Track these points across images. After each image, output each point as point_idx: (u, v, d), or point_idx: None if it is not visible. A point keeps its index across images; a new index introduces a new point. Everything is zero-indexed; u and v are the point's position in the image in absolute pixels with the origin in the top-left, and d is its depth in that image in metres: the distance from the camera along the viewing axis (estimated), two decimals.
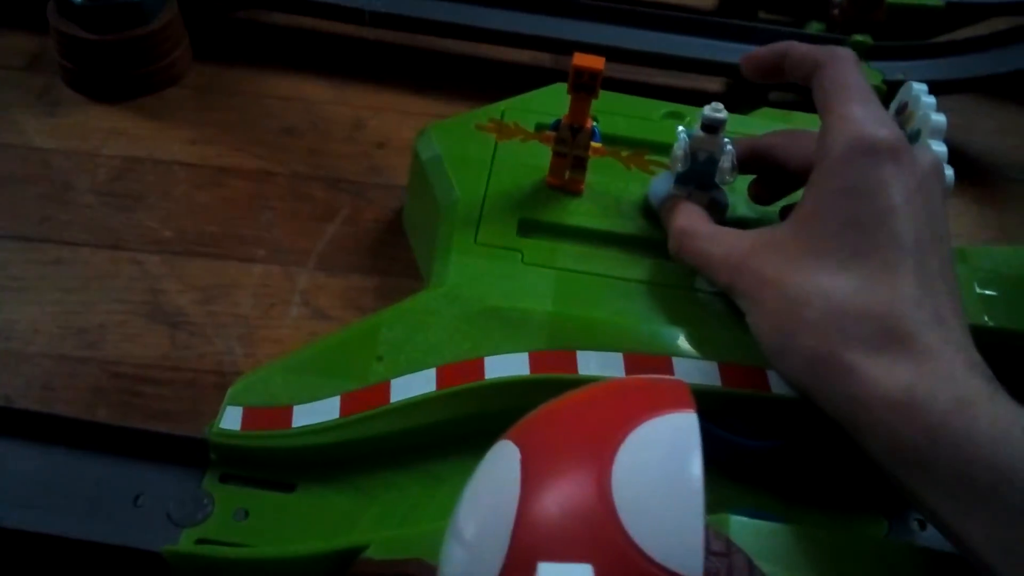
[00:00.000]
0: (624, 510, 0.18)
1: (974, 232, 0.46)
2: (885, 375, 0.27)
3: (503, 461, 0.21)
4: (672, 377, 0.31)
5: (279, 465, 0.30)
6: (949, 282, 0.29)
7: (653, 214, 0.38)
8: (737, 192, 0.38)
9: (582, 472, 0.19)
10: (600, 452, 0.19)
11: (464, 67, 0.54)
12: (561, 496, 0.19)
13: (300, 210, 0.44)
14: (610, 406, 0.21)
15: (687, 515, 0.18)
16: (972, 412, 0.25)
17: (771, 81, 0.36)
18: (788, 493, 0.31)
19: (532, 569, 0.17)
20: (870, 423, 0.27)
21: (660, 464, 0.19)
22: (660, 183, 0.38)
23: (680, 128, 0.36)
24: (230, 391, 0.31)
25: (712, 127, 0.34)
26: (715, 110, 0.34)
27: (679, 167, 0.35)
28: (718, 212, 0.37)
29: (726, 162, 0.35)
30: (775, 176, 0.36)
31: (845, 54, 0.33)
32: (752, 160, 0.36)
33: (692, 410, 0.20)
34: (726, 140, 0.35)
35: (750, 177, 0.38)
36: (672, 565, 0.18)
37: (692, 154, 0.35)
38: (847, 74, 0.32)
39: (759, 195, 0.38)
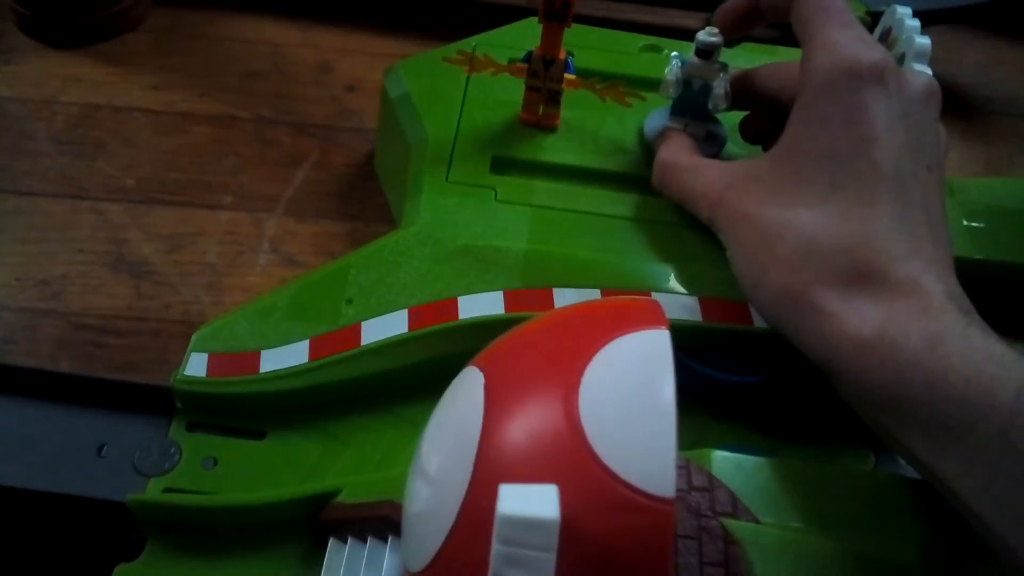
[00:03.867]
0: (592, 429, 0.17)
1: (960, 166, 0.45)
2: (855, 314, 0.26)
3: (466, 387, 0.20)
4: (644, 296, 0.30)
5: (247, 412, 0.29)
6: (932, 212, 0.28)
7: (630, 149, 0.37)
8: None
9: (548, 392, 0.18)
10: (567, 371, 0.18)
11: (435, 6, 0.52)
12: (525, 417, 0.18)
13: (267, 155, 0.42)
14: (578, 326, 0.20)
15: (658, 433, 0.17)
16: (945, 349, 0.24)
17: (751, 29, 0.34)
18: (773, 429, 0.31)
19: (495, 492, 0.16)
20: (842, 363, 0.26)
21: (630, 381, 0.18)
22: (656, 117, 0.36)
23: (674, 53, 0.34)
24: (195, 337, 0.30)
25: (707, 52, 0.33)
26: (710, 34, 0.33)
27: (671, 92, 0.34)
28: (716, 145, 0.36)
29: (720, 87, 0.33)
30: (767, 111, 0.35)
31: None
32: (743, 93, 0.35)
33: (664, 327, 0.19)
34: (722, 64, 0.34)
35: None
36: (643, 484, 0.17)
37: (686, 82, 0.34)
38: None
39: (750, 131, 0.36)
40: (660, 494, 0.17)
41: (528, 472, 0.17)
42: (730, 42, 0.34)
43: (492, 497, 0.16)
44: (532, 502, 0.15)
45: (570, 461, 0.17)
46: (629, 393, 0.18)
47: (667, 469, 0.17)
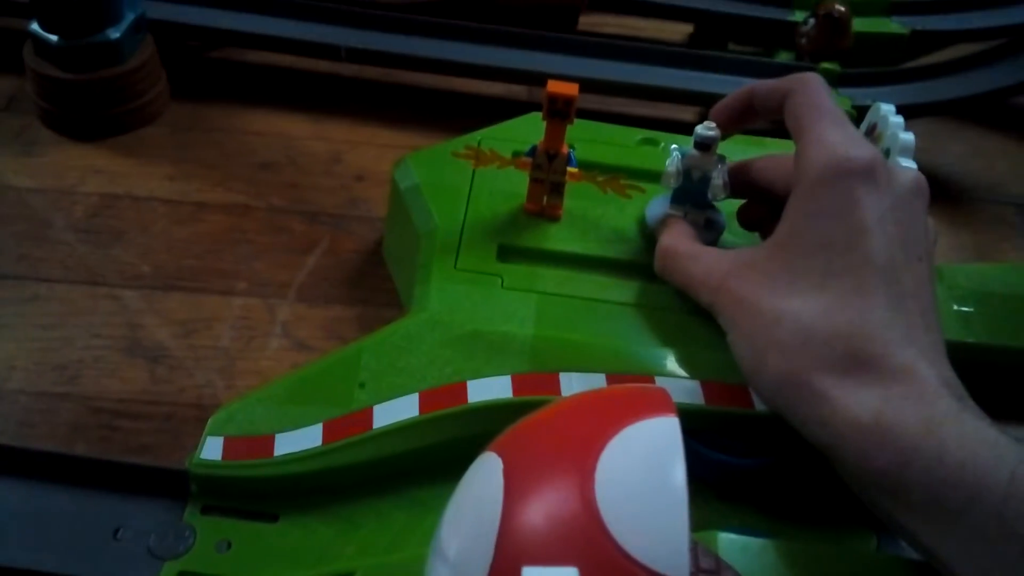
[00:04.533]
0: (608, 513, 0.18)
1: (949, 253, 0.47)
2: (853, 400, 0.27)
3: (485, 473, 0.20)
4: (653, 385, 0.31)
5: (261, 495, 0.30)
6: (923, 300, 0.30)
7: (631, 237, 0.38)
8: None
9: (565, 477, 0.19)
10: (583, 457, 0.19)
11: (441, 101, 0.54)
12: (544, 502, 0.19)
13: (279, 243, 0.43)
14: (592, 413, 0.21)
15: (671, 516, 0.18)
16: (941, 434, 0.25)
17: (746, 126, 0.36)
18: (776, 511, 0.31)
19: (518, 575, 0.16)
20: (841, 447, 0.27)
21: (643, 467, 0.19)
22: (657, 204, 0.38)
23: (674, 146, 0.36)
24: (211, 421, 0.31)
25: (705, 145, 0.35)
26: (707, 128, 0.35)
27: (672, 183, 0.36)
28: (715, 232, 0.37)
29: (718, 178, 0.35)
30: (762, 201, 0.36)
31: (812, 78, 0.33)
32: (740, 183, 0.36)
33: (673, 414, 0.20)
34: (720, 156, 0.35)
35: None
36: (657, 566, 0.17)
37: (686, 172, 0.35)
38: (817, 97, 0.32)
39: (748, 219, 0.38)
40: (674, 575, 0.17)
41: (548, 555, 0.18)
42: (724, 135, 0.36)
43: None
44: None
45: (588, 544, 0.18)
46: (642, 479, 0.19)
47: (681, 551, 0.18)
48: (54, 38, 0.47)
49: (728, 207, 0.38)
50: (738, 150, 0.43)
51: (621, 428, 0.19)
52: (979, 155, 0.54)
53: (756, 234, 0.38)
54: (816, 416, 0.28)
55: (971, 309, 0.38)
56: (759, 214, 0.37)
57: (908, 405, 0.26)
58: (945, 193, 0.51)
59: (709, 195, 0.36)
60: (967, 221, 0.49)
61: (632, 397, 0.21)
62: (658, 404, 0.20)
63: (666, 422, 0.20)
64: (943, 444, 0.25)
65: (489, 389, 0.31)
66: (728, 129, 0.36)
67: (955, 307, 0.38)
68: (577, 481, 0.19)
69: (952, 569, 0.25)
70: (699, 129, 0.35)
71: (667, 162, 0.35)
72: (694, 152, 0.35)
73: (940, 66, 0.52)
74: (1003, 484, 0.24)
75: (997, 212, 0.50)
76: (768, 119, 0.35)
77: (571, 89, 0.34)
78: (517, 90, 0.55)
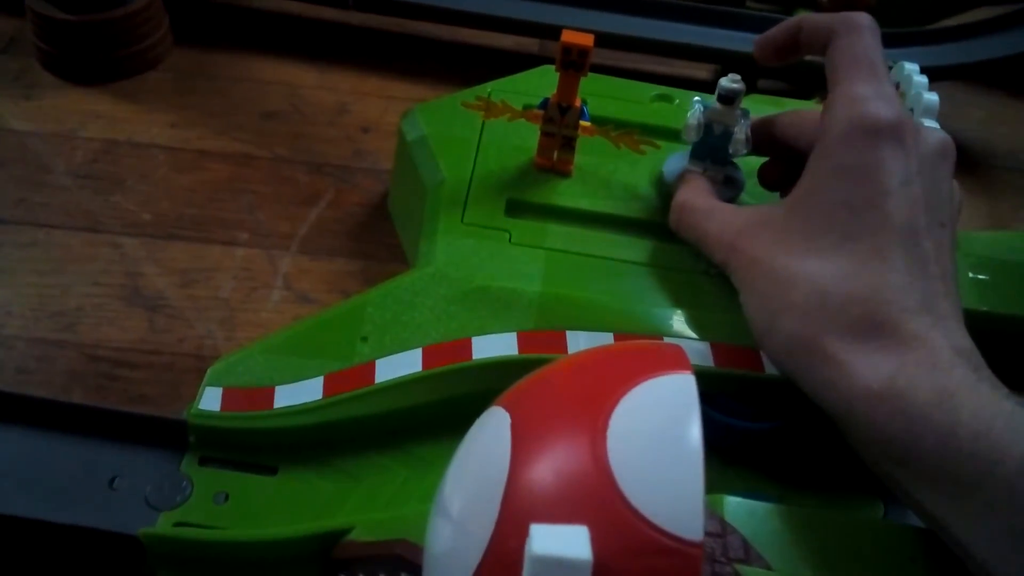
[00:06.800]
0: (620, 472, 0.17)
1: (966, 220, 0.45)
2: (866, 365, 0.26)
3: (492, 428, 0.20)
4: (668, 341, 0.30)
5: (260, 447, 0.29)
6: (944, 266, 0.29)
7: (643, 195, 0.37)
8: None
9: (576, 434, 0.18)
10: (594, 413, 0.18)
11: (450, 52, 0.53)
12: (554, 459, 0.18)
13: (283, 194, 0.43)
14: (604, 369, 0.20)
15: (686, 476, 0.17)
16: (954, 403, 0.24)
17: (788, 60, 0.34)
18: (784, 475, 0.31)
19: (524, 532, 0.16)
20: (851, 413, 0.26)
21: (657, 425, 0.18)
22: (676, 159, 0.37)
23: (696, 98, 0.35)
24: (210, 371, 0.30)
25: (728, 98, 0.34)
26: (732, 80, 0.33)
27: (692, 136, 0.35)
28: (734, 190, 0.36)
29: (740, 132, 0.34)
30: (786, 158, 0.35)
31: (861, 22, 0.31)
32: (763, 140, 0.35)
33: (689, 371, 0.19)
34: (743, 110, 0.34)
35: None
36: (671, 528, 0.17)
37: (707, 126, 0.35)
38: (859, 46, 0.31)
39: (769, 178, 0.37)
40: (688, 537, 0.17)
41: (557, 513, 0.17)
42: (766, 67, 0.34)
43: (520, 537, 0.16)
44: (564, 543, 0.15)
45: (599, 503, 0.17)
46: (656, 437, 0.18)
47: (695, 512, 0.17)
48: None
49: (750, 165, 0.37)
50: (756, 109, 0.42)
51: (635, 384, 0.19)
52: (1001, 121, 0.53)
53: (777, 195, 0.37)
54: (827, 380, 0.27)
55: (987, 277, 0.37)
56: (781, 173, 0.36)
57: (921, 373, 0.26)
58: (964, 159, 0.50)
59: (730, 150, 0.35)
60: (985, 188, 0.48)
61: (646, 353, 0.21)
62: (673, 360, 0.20)
63: (682, 379, 0.19)
64: (956, 415, 0.24)
65: (494, 346, 0.31)
66: (771, 62, 0.34)
67: (971, 275, 0.37)
68: (588, 438, 0.18)
69: (960, 541, 0.24)
70: (723, 81, 0.34)
71: (688, 114, 0.34)
72: (717, 105, 0.34)
73: (963, 28, 0.51)
74: (1018, 457, 0.23)
75: (1016, 180, 0.49)
76: (812, 55, 0.33)
77: (586, 39, 0.33)
78: (528, 43, 0.54)
